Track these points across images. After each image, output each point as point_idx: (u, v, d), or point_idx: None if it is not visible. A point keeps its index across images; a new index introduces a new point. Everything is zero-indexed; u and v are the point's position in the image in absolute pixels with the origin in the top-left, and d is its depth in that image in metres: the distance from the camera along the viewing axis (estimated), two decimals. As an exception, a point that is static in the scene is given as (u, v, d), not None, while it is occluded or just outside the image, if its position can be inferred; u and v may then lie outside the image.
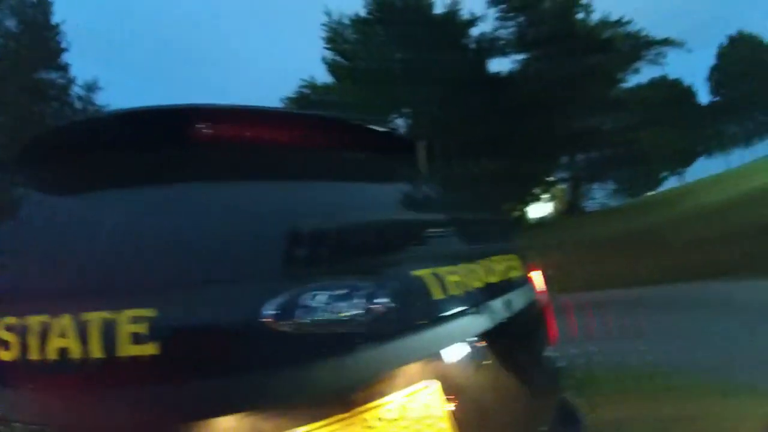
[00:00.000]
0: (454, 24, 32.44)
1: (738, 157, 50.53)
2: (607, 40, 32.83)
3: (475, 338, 1.82)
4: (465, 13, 32.92)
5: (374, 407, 1.48)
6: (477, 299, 1.88)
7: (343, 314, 1.44)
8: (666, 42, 34.91)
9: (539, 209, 42.55)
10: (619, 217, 27.22)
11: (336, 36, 31.80)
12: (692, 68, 61.06)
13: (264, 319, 1.35)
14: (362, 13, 31.97)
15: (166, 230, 1.60)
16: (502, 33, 33.56)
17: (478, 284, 1.93)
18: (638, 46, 34.66)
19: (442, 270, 1.78)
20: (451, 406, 1.63)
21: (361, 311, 1.46)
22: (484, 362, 1.86)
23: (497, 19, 33.21)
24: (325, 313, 1.41)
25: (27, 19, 32.03)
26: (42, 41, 32.31)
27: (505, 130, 30.71)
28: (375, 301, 1.50)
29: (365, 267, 1.67)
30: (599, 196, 38.54)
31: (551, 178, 39.36)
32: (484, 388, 1.82)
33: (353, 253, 1.75)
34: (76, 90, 34.15)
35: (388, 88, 29.89)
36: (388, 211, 2.18)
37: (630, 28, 34.61)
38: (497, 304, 1.99)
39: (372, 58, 30.90)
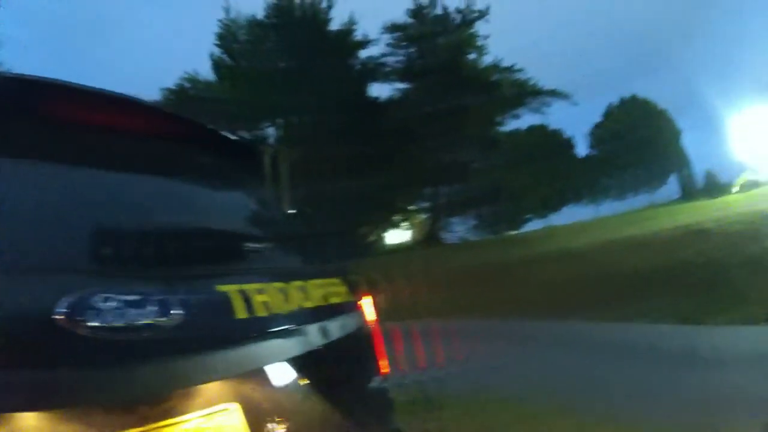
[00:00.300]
0: (345, 43, 32.97)
1: (608, 208, 53.20)
2: (493, 83, 34.12)
3: (286, 363, 1.77)
4: (359, 35, 33.53)
5: (167, 425, 1.40)
6: (288, 321, 1.83)
7: (135, 322, 1.35)
8: (553, 93, 36.75)
9: (398, 235, 43.18)
10: (476, 251, 27.86)
11: (228, 34, 31.58)
12: (577, 120, 64.05)
13: (54, 317, 1.24)
14: (260, 15, 32.04)
15: None
16: (390, 60, 34.37)
17: (291, 306, 1.87)
18: (523, 93, 36.14)
19: (250, 288, 1.70)
20: None
21: (154, 321, 1.38)
22: (297, 389, 1.81)
23: (388, 45, 34.03)
24: (116, 317, 1.32)
25: None
26: None
27: (375, 153, 31.45)
28: (170, 312, 1.41)
29: (168, 274, 1.59)
30: (460, 229, 39.42)
31: (413, 207, 40.18)
32: (297, 416, 1.75)
33: (159, 258, 1.69)
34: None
35: (266, 95, 29.93)
36: (207, 219, 2.07)
37: (519, 76, 36.08)
38: (313, 328, 1.94)
39: (257, 63, 31.08)
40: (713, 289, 10.50)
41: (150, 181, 2.07)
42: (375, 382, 2.53)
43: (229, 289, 1.65)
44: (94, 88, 1.98)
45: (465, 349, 9.42)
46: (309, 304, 2.01)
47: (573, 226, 34.47)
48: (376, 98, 34.96)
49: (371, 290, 2.80)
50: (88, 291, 1.31)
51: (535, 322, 11.63)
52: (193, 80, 32.65)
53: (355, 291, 2.59)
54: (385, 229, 41.10)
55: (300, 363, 1.82)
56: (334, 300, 2.25)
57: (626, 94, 57.62)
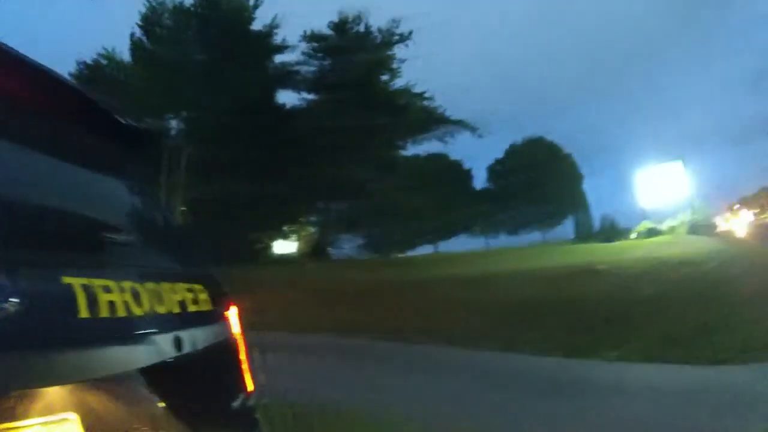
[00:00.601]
0: (264, 45, 32.82)
1: (500, 242, 54.79)
2: (401, 107, 34.86)
3: (136, 373, 1.61)
4: (279, 39, 33.41)
5: None
6: (139, 326, 1.65)
7: None
8: (459, 123, 37.94)
9: (287, 246, 43.22)
10: (362, 270, 27.81)
11: (153, 16, 30.57)
12: (480, 153, 65.79)
13: None
14: (188, 3, 31.15)
15: None
16: (304, 69, 34.49)
17: (143, 310, 1.67)
18: (430, 120, 36.97)
19: (98, 283, 1.51)
20: None
21: None
22: (148, 403, 1.66)
23: (305, 54, 34.20)
24: None
25: None
26: None
27: (275, 160, 31.49)
28: (8, 299, 1.23)
29: (12, 257, 1.37)
30: (348, 246, 39.83)
31: (304, 219, 40.27)
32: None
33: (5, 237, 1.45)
34: None
35: (176, 85, 29.39)
36: (69, 202, 1.84)
37: (429, 103, 36.93)
38: (167, 336, 1.75)
39: (174, 51, 30.08)
40: (607, 326, 10.71)
41: (7, 150, 1.77)
42: (239, 401, 2.33)
43: (75, 282, 1.44)
44: None
45: (330, 365, 9.70)
46: (164, 310, 1.80)
47: (463, 255, 34.93)
48: (284, 105, 35.18)
49: (239, 300, 2.59)
50: None
51: (411, 345, 11.45)
52: (110, 58, 31.73)
53: (222, 300, 2.41)
54: (275, 238, 40.91)
55: (152, 375, 1.65)
56: (196, 308, 2.07)
57: (534, 134, 59.87)
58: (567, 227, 59.13)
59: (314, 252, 36.53)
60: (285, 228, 40.15)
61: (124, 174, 2.37)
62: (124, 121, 2.39)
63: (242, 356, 2.45)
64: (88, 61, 32.08)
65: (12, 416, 1.21)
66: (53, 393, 1.31)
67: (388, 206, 34.75)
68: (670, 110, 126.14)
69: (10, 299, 1.19)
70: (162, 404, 1.66)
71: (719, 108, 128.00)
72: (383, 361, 10.48)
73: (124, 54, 32.11)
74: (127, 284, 1.62)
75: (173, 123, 32.31)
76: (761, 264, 15.69)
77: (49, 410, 1.28)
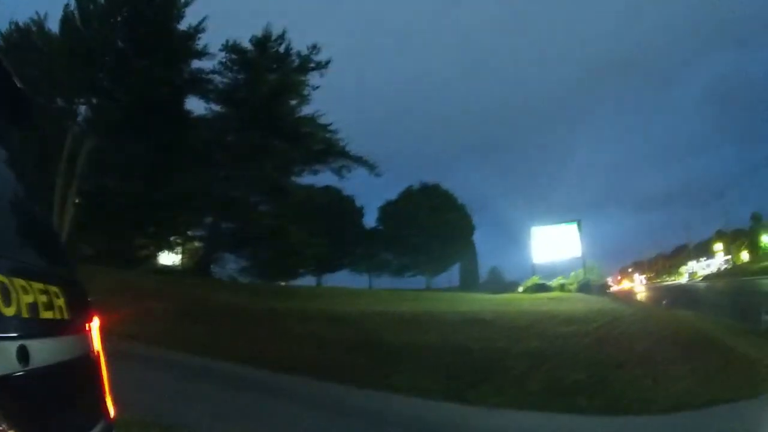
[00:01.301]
0: (185, 46, 32.09)
1: (384, 282, 55.36)
2: (304, 134, 35.46)
3: None
4: (200, 43, 32.70)
5: None
6: None
7: None
8: (359, 159, 38.69)
9: (171, 257, 42.71)
10: (241, 293, 27.43)
11: None
12: (374, 192, 66.56)
13: None
14: None
15: None
16: (216, 78, 34.25)
17: None
18: (330, 151, 37.52)
19: None
20: None
21: None
22: None
23: (221, 63, 33.92)
24: None
25: None
26: None
27: (169, 166, 31.15)
28: None
29: None
30: (232, 267, 39.24)
31: (190, 233, 39.75)
32: None
33: None
34: None
35: (92, 68, 28.69)
36: None
37: (332, 135, 37.27)
38: (8, 345, 1.47)
39: (99, 32, 29.05)
40: (489, 374, 10.80)
41: None
42: (99, 428, 2.09)
43: None
44: None
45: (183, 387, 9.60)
46: (7, 311, 1.49)
47: (346, 291, 34.87)
48: (191, 112, 34.59)
49: (102, 310, 2.36)
50: None
51: (288, 376, 11.33)
52: (38, 25, 30.20)
53: (83, 309, 2.18)
54: (161, 247, 40.18)
55: None
56: (50, 314, 1.78)
57: (431, 181, 61.21)
58: (452, 275, 60.56)
59: (197, 268, 36.01)
60: (171, 239, 39.39)
61: None
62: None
63: (103, 376, 2.24)
64: (20, 24, 30.50)
65: None
66: None
67: (275, 231, 34.70)
68: (573, 174, 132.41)
69: None
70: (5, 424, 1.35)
71: (623, 177, 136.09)
72: (250, 388, 10.41)
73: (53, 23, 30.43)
74: None
75: (82, 108, 31.22)
76: (648, 326, 15.92)
77: None
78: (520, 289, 40.58)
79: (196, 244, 40.63)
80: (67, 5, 29.30)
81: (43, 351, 1.64)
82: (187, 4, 31.39)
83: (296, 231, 35.75)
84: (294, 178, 37.96)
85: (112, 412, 2.25)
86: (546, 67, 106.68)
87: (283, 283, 40.93)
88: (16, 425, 1.36)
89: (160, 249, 40.52)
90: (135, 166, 30.64)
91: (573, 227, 40.55)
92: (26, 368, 1.49)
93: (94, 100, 31.07)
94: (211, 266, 37.55)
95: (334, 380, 10.89)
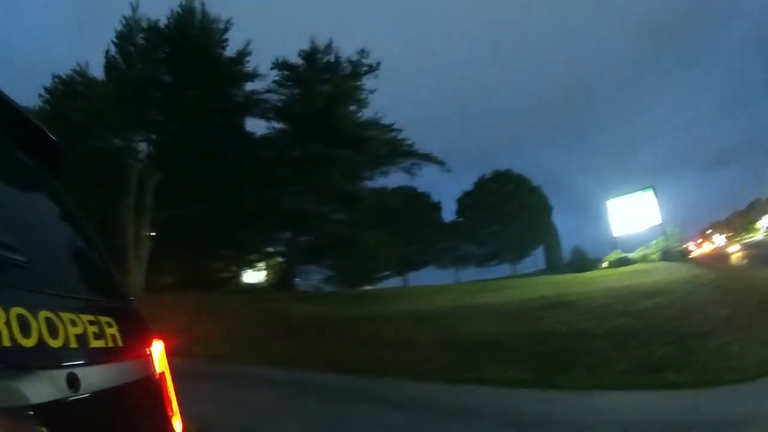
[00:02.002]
0: (234, 72, 32.70)
1: (469, 274, 54.49)
2: (367, 139, 35.11)
3: (24, 408, 1.41)
4: (249, 66, 33.23)
5: None
6: (20, 359, 1.47)
7: None
8: (426, 157, 38.06)
9: (253, 276, 42.90)
10: (325, 302, 27.64)
11: (127, 34, 30.02)
12: (448, 186, 65.61)
13: None
14: (162, 23, 30.79)
15: None
16: (272, 97, 34.60)
17: (30, 342, 1.51)
18: (396, 152, 37.17)
19: None
20: None
21: None
22: None
23: (274, 82, 34.29)
24: None
25: None
26: None
27: (239, 189, 31.57)
28: None
29: None
30: (315, 278, 39.18)
31: (270, 249, 40.00)
32: None
33: None
34: None
35: (145, 106, 29.63)
36: None
37: (396, 135, 37.10)
38: (58, 373, 1.56)
39: (146, 71, 29.99)
40: (577, 357, 10.65)
41: None
42: None
43: None
44: None
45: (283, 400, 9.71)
46: (59, 343, 1.62)
47: (430, 288, 34.70)
48: (252, 134, 35.19)
49: (164, 335, 2.46)
50: None
51: (378, 380, 11.27)
52: (81, 74, 31.14)
53: (140, 336, 2.27)
54: (242, 267, 40.63)
55: (47, 414, 1.46)
56: (100, 343, 1.88)
57: (501, 167, 59.91)
58: (537, 258, 59.25)
59: (281, 283, 36.16)
60: (251, 257, 39.72)
61: (29, 186, 2.26)
62: (35, 130, 2.33)
63: (166, 397, 2.31)
64: (63, 76, 31.47)
65: None
66: None
67: (351, 238, 34.27)
68: (640, 139, 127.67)
69: None
70: None
71: (690, 134, 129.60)
72: (350, 397, 10.19)
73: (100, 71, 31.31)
74: (16, 311, 1.47)
75: (142, 145, 32.04)
76: (731, 290, 15.71)
77: None
78: (604, 264, 39.23)
79: (278, 259, 40.78)
80: (107, 51, 30.09)
81: (94, 377, 1.72)
82: (226, 30, 31.91)
83: (373, 235, 35.20)
84: (364, 183, 37.64)
85: (178, 429, 2.33)
86: (596, 32, 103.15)
87: (369, 288, 40.83)
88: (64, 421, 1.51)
89: (242, 268, 40.70)
90: (204, 192, 31.12)
91: (648, 194, 38.83)
92: (77, 394, 1.58)
93: (153, 136, 31.57)
94: (295, 279, 37.73)
95: (423, 379, 10.81)
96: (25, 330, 1.48)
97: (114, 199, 29.00)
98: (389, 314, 19.50)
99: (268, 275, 42.28)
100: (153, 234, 30.88)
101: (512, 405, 8.76)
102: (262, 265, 41.85)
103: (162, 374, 2.32)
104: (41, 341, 1.52)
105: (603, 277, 24.10)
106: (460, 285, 39.88)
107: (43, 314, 1.58)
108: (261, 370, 12.81)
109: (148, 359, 2.23)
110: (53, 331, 1.58)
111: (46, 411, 1.44)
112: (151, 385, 2.22)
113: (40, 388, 1.46)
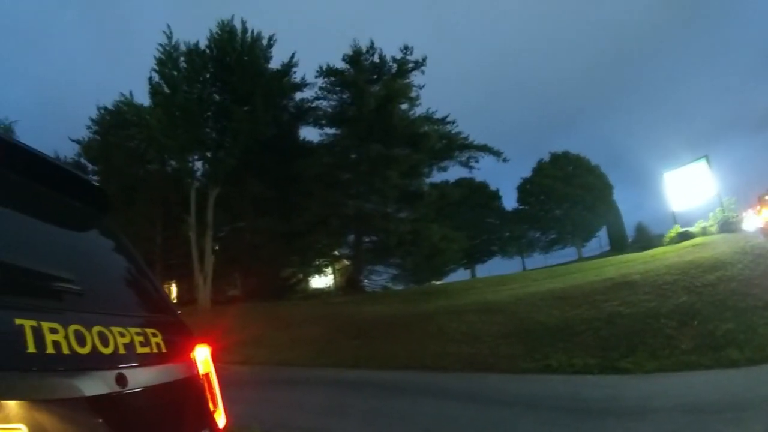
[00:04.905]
0: (281, 83, 32.66)
1: (536, 261, 53.39)
2: (422, 135, 33.96)
3: (81, 400, 1.78)
4: (297, 76, 33.37)
5: None
6: (80, 362, 1.83)
7: None
8: (483, 148, 37.17)
9: (320, 280, 43.02)
10: (395, 300, 27.23)
11: (168, 60, 30.16)
12: (507, 174, 64.17)
13: None
14: (202, 44, 31.07)
15: None
16: (323, 104, 34.31)
17: (85, 350, 1.88)
18: (453, 146, 36.43)
19: (46, 326, 1.75)
20: None
21: None
22: (94, 426, 1.83)
23: (321, 89, 33.95)
24: None
25: None
26: None
27: (299, 196, 31.31)
28: None
29: None
30: (382, 278, 38.57)
31: (336, 252, 39.69)
32: None
33: None
34: None
35: (196, 127, 29.57)
36: (23, 254, 2.06)
37: (450, 128, 36.47)
38: (109, 373, 1.93)
39: (192, 93, 30.05)
40: (642, 338, 10.71)
41: None
42: None
43: (26, 323, 1.69)
44: None
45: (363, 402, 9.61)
46: (109, 350, 1.99)
47: (497, 279, 33.99)
48: (306, 141, 35.02)
49: (208, 340, 2.73)
50: None
51: (445, 374, 11.42)
52: (128, 104, 31.85)
53: (183, 342, 2.58)
54: (309, 273, 40.68)
55: (101, 404, 1.83)
56: (146, 350, 2.22)
57: (557, 149, 58.15)
58: (602, 239, 57.36)
59: (348, 285, 35.89)
60: (317, 262, 39.63)
61: (82, 227, 2.68)
62: (72, 177, 2.64)
63: (208, 393, 2.60)
64: (109, 107, 32.75)
65: None
66: (8, 406, 1.55)
67: (415, 235, 33.71)
68: (691, 107, 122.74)
69: None
70: (108, 429, 1.84)
71: (739, 97, 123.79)
72: (429, 393, 10.13)
73: (145, 98, 31.81)
74: (73, 327, 1.85)
75: (198, 164, 32.15)
76: None
77: (3, 420, 1.52)
78: (666, 241, 37.82)
79: (345, 262, 40.57)
80: (150, 78, 30.18)
81: (140, 376, 2.08)
82: (270, 46, 31.75)
83: (436, 230, 34.62)
84: (424, 180, 36.87)
85: (221, 423, 2.62)
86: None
87: (437, 283, 39.92)
88: (120, 424, 1.91)
89: (309, 274, 40.70)
90: (265, 203, 31.12)
91: (702, 164, 37.05)
92: (125, 389, 1.95)
93: (208, 154, 31.43)
94: (363, 280, 37.06)
95: (490, 371, 11.04)
96: (81, 341, 1.85)
97: (176, 218, 29.50)
98: (455, 308, 19.20)
99: (335, 279, 42.15)
100: (217, 248, 30.95)
101: (577, 392, 8.76)
102: (329, 269, 41.76)
103: (206, 375, 2.64)
104: (94, 349, 1.90)
105: (665, 254, 23.28)
106: (526, 273, 38.77)
107: (96, 329, 1.96)
108: (326, 372, 13.23)
109: (190, 362, 2.55)
110: (104, 341, 1.96)
111: (97, 402, 1.81)
112: (193, 384, 2.53)
113: (93, 384, 1.82)
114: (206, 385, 2.62)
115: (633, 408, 7.32)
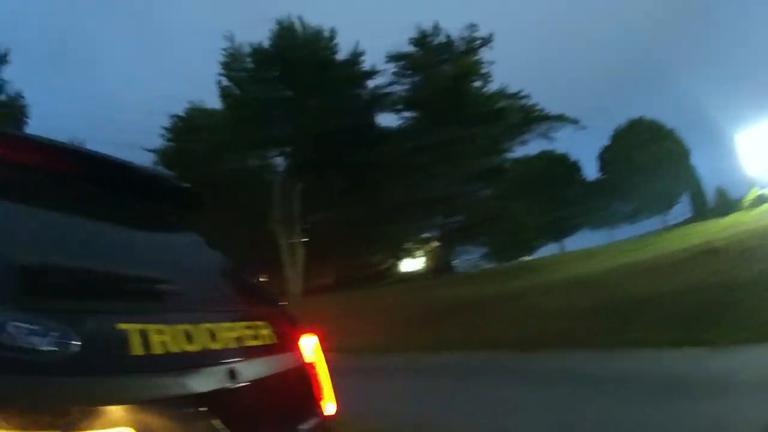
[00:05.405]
0: (351, 73, 32.57)
1: (623, 233, 51.76)
2: (498, 111, 33.46)
3: (189, 398, 1.79)
4: (366, 65, 33.21)
5: None
6: (189, 361, 1.86)
7: (39, 347, 1.48)
8: (560, 118, 36.30)
9: (411, 264, 42.94)
10: (488, 280, 27.00)
11: (233, 62, 30.99)
12: (587, 147, 62.20)
13: None
14: (265, 43, 31.48)
15: None
16: (396, 89, 33.86)
17: (194, 347, 1.90)
18: (530, 119, 35.49)
19: (151, 328, 1.77)
20: None
21: (56, 348, 1.50)
22: (203, 424, 1.83)
23: (393, 74, 33.53)
24: (24, 342, 1.46)
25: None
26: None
27: (382, 183, 31.22)
28: (70, 341, 1.53)
29: (76, 308, 1.70)
30: (472, 257, 38.33)
31: (425, 235, 39.44)
32: None
33: (72, 292, 1.80)
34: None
35: (272, 122, 30.03)
36: (123, 260, 2.16)
37: (525, 102, 35.56)
38: (220, 369, 1.96)
39: (263, 91, 30.48)
40: (727, 308, 10.12)
41: (69, 218, 2.23)
42: (311, 424, 2.47)
43: (129, 327, 1.72)
44: (24, 133, 2.47)
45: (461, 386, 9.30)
46: (219, 346, 2.01)
47: (585, 252, 33.48)
48: (383, 127, 34.74)
49: (316, 329, 2.74)
50: (4, 316, 1.47)
51: (534, 354, 11.02)
52: (199, 109, 32.74)
53: (291, 332, 2.60)
54: (399, 258, 40.90)
55: (213, 400, 1.84)
56: (256, 342, 2.24)
57: (634, 115, 55.97)
58: (684, 206, 55.14)
59: (438, 268, 35.76)
60: (405, 247, 39.75)
61: (173, 228, 2.84)
62: (161, 176, 3.24)
63: (316, 381, 2.65)
64: (180, 114, 33.79)
65: (79, 427, 1.48)
66: (114, 410, 1.56)
67: (500, 212, 33.69)
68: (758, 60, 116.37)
69: (72, 341, 1.53)
70: (221, 425, 1.85)
71: None
72: (526, 375, 9.71)
73: (211, 103, 32.96)
74: (180, 327, 1.89)
75: (279, 160, 32.87)
76: None
77: (110, 424, 1.54)
78: (746, 204, 36.22)
79: (433, 245, 40.39)
80: (219, 81, 31.30)
81: (251, 369, 2.12)
82: (332, 38, 31.99)
83: (520, 205, 34.70)
84: (505, 156, 36.28)
85: (331, 410, 2.66)
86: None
87: (527, 259, 39.64)
88: (239, 423, 1.92)
89: (398, 259, 41.01)
90: (348, 192, 31.13)
91: None
92: (236, 383, 1.98)
93: (287, 149, 32.01)
94: (452, 262, 36.64)
95: (578, 348, 10.54)
96: (190, 339, 1.89)
97: (262, 214, 30.08)
98: (543, 284, 19.44)
99: (425, 262, 41.98)
100: (305, 240, 31.17)
101: (664, 367, 8.29)
102: (418, 253, 41.66)
103: (313, 363, 2.64)
104: (204, 346, 1.95)
105: (744, 219, 22.60)
106: (614, 245, 37.96)
107: (204, 326, 2.01)
108: (419, 356, 12.87)
109: (298, 351, 2.57)
110: (213, 337, 2.01)
111: (210, 398, 1.84)
112: (301, 372, 2.55)
113: (205, 381, 1.86)
114: (313, 373, 2.64)
115: (718, 381, 6.87)
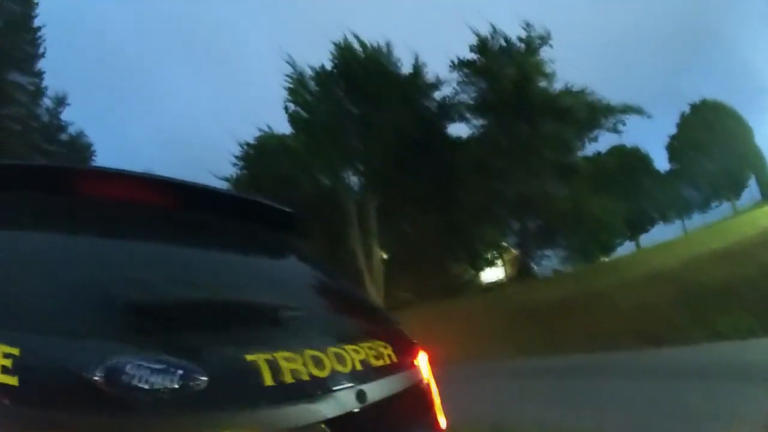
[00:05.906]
0: (416, 85, 32.59)
1: (696, 221, 50.39)
2: (566, 109, 32.80)
3: (321, 424, 1.78)
4: (430, 76, 33.13)
5: None
6: (320, 386, 1.86)
7: (162, 386, 1.45)
8: (626, 109, 35.23)
9: (492, 272, 42.75)
10: (569, 282, 26.68)
11: (298, 87, 31.37)
12: (651, 136, 60.69)
13: (94, 378, 1.38)
14: (327, 65, 31.91)
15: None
16: (463, 97, 33.84)
17: (323, 372, 1.90)
18: (597, 114, 34.75)
19: (279, 356, 1.78)
20: None
21: (179, 386, 1.48)
22: None
23: (459, 83, 33.54)
24: (145, 382, 1.43)
25: (6, 14, 30.62)
26: (19, 41, 31.31)
27: (457, 192, 31.18)
28: (196, 378, 1.52)
29: (198, 343, 1.70)
30: (552, 261, 37.94)
31: (503, 243, 39.53)
32: None
33: (191, 327, 1.79)
34: (45, 101, 33.88)
35: (343, 141, 30.31)
36: (240, 289, 2.18)
37: (590, 97, 34.67)
38: (348, 392, 1.94)
39: (331, 111, 30.77)
40: None
41: (180, 251, 2.24)
42: None
43: (257, 357, 1.72)
44: (117, 169, 2.27)
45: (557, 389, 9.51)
46: (347, 369, 2.00)
47: (662, 245, 32.98)
48: (454, 137, 34.80)
49: (426, 347, 2.76)
50: (122, 358, 1.43)
51: (625, 353, 11.15)
52: (269, 135, 33.59)
53: (409, 350, 2.60)
54: (479, 267, 41.03)
55: (341, 424, 1.82)
56: (380, 362, 2.22)
57: (693, 99, 54.87)
58: (753, 189, 53.36)
59: (519, 274, 35.54)
60: (487, 255, 40.09)
61: (285, 254, 2.85)
62: (267, 205, 2.90)
63: (431, 397, 2.63)
64: (251, 141, 34.65)
65: None
66: None
67: (579, 211, 32.95)
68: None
69: (200, 377, 1.52)
70: None
71: None
72: (619, 375, 9.84)
73: (280, 128, 33.87)
74: (309, 352, 1.89)
75: (354, 179, 32.96)
76: None
77: None
78: None
79: (513, 251, 40.33)
80: (286, 108, 31.82)
81: (377, 390, 2.09)
82: (390, 53, 32.09)
83: (596, 203, 33.84)
84: (577, 154, 35.73)
85: (443, 423, 2.60)
86: None
87: (606, 259, 39.20)
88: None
89: (479, 269, 41.07)
90: (425, 205, 31.28)
91: None
92: (363, 405, 1.96)
93: (360, 166, 32.10)
94: (533, 266, 36.71)
95: (660, 344, 10.68)
96: (319, 365, 1.89)
97: (341, 233, 30.26)
98: (623, 282, 19.45)
99: (506, 269, 41.98)
100: (385, 256, 31.15)
101: (745, 359, 8.25)
102: (498, 261, 41.74)
103: (427, 378, 2.68)
104: (333, 370, 1.93)
105: None
106: (688, 236, 37.37)
107: (332, 350, 2.00)
108: (509, 362, 13.41)
109: (416, 369, 2.59)
110: (341, 361, 1.99)
111: (338, 422, 1.81)
112: (420, 389, 2.57)
113: (334, 405, 1.85)
114: (430, 389, 2.65)
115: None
